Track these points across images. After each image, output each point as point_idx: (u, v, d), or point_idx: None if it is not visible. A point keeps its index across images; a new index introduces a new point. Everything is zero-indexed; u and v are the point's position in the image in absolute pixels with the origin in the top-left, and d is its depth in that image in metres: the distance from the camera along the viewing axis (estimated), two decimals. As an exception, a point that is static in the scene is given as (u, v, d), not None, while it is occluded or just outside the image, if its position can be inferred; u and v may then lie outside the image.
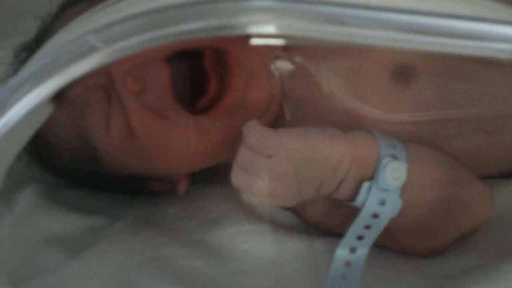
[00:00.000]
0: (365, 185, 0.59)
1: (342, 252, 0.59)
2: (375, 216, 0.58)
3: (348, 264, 0.59)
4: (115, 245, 0.69)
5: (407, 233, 0.63)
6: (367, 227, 0.59)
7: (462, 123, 0.70)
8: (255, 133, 0.59)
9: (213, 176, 0.78)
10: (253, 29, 0.40)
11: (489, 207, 0.65)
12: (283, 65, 0.63)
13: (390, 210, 0.58)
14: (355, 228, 0.59)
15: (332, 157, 0.59)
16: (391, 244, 0.64)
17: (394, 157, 0.58)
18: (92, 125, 0.69)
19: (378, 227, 0.59)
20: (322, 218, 0.68)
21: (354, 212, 0.59)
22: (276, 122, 0.70)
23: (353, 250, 0.59)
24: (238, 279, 0.65)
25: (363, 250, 0.59)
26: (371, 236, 0.59)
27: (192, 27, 0.40)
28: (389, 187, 0.58)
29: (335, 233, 0.64)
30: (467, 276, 0.60)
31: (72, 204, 0.77)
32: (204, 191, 0.78)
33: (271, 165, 0.58)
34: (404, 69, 0.69)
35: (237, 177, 0.60)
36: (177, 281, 0.64)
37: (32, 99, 0.42)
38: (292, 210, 0.72)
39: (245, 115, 0.65)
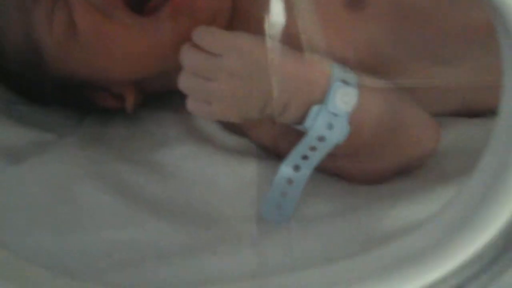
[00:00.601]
0: (314, 108, 0.58)
1: (286, 169, 0.59)
2: (322, 139, 0.58)
3: (290, 181, 0.59)
4: (59, 157, 0.68)
5: (351, 158, 0.63)
6: (313, 148, 0.59)
7: (416, 52, 0.69)
8: (206, 32, 0.58)
9: (167, 102, 0.78)
10: None
11: (434, 140, 0.65)
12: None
13: (337, 135, 0.58)
14: (301, 148, 0.58)
15: (283, 71, 0.58)
16: (334, 169, 0.64)
17: (345, 83, 0.58)
18: (35, 22, 0.67)
19: (324, 150, 0.58)
20: (270, 142, 0.68)
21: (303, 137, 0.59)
22: None
23: (296, 168, 0.59)
24: (179, 196, 0.64)
25: (306, 170, 0.59)
26: (316, 157, 0.59)
27: None
28: (338, 111, 0.58)
29: (283, 157, 0.64)
30: (397, 197, 0.61)
31: (22, 119, 0.76)
32: (155, 115, 0.78)
33: (221, 64, 0.57)
34: None
35: (186, 81, 0.59)
36: (118, 194, 0.63)
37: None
38: (242, 133, 0.72)
39: (191, 22, 0.63)
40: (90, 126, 0.78)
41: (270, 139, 0.68)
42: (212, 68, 0.58)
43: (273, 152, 0.69)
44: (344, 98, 0.58)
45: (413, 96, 0.65)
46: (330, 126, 0.58)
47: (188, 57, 0.59)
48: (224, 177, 0.66)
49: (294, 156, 0.59)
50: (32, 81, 0.73)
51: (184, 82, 0.59)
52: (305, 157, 0.59)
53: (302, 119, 0.59)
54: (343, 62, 0.63)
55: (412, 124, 0.64)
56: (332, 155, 0.59)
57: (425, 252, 0.46)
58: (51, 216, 0.61)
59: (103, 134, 0.76)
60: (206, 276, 0.55)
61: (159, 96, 0.78)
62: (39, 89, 0.74)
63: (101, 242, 0.58)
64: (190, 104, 0.60)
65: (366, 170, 0.65)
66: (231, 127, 0.73)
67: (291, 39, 0.65)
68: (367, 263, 0.48)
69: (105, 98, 0.75)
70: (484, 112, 0.72)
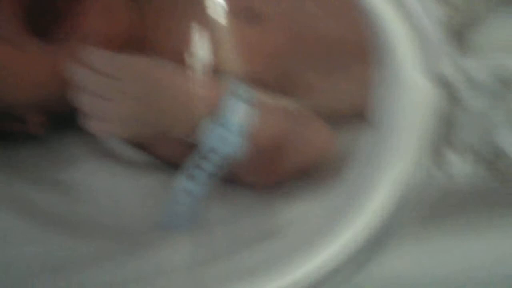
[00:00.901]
0: (204, 122, 0.62)
1: (182, 180, 0.63)
2: (213, 151, 0.62)
3: (187, 191, 0.63)
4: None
5: (249, 168, 0.67)
6: (205, 160, 0.63)
7: (308, 64, 0.75)
8: (102, 56, 0.61)
9: (72, 121, 0.79)
10: None
11: (328, 144, 0.70)
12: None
13: (229, 147, 0.62)
14: (194, 159, 0.62)
15: (173, 89, 0.62)
16: (230, 176, 0.68)
17: (239, 97, 0.63)
18: None
19: (217, 161, 0.63)
20: (168, 155, 0.72)
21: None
22: None
23: (192, 179, 0.63)
24: (84, 210, 0.68)
25: (201, 180, 0.63)
26: (209, 168, 0.63)
27: None
28: (230, 125, 0.62)
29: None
30: (290, 197, 0.66)
31: None
32: (61, 135, 0.79)
33: (116, 85, 0.60)
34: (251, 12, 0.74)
35: (86, 102, 0.61)
36: (25, 214, 0.66)
37: None
38: (143, 148, 0.75)
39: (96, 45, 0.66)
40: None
41: (168, 153, 0.72)
42: (107, 88, 0.60)
43: (172, 164, 0.72)
44: (236, 112, 0.62)
45: (308, 104, 0.71)
46: (222, 139, 0.62)
47: (83, 77, 0.61)
48: (126, 190, 0.70)
49: (188, 168, 0.63)
50: None
51: (81, 101, 0.61)
52: (199, 168, 0.63)
53: (194, 133, 0.62)
54: (243, 77, 0.68)
55: (308, 133, 0.69)
56: (231, 166, 0.63)
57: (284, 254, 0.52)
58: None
59: (11, 156, 0.76)
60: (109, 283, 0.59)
61: (64, 116, 0.78)
62: None
63: (5, 258, 0.60)
64: (87, 122, 0.62)
65: (261, 177, 0.69)
66: (132, 142, 0.76)
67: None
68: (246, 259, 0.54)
69: (9, 122, 0.75)
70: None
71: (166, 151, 0.72)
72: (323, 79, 0.76)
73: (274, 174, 0.69)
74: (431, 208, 0.51)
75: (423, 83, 0.48)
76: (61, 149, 0.78)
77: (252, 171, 0.68)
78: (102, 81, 0.60)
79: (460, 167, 0.50)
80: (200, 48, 0.65)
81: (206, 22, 0.69)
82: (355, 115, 0.75)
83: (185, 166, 0.63)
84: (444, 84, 0.48)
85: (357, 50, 0.67)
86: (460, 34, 0.51)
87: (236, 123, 0.62)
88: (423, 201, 0.50)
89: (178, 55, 0.64)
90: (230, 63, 0.71)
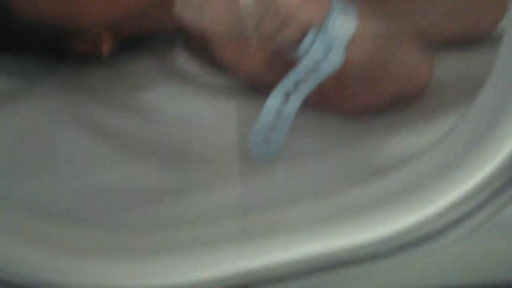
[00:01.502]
0: (312, 32, 0.57)
1: (274, 100, 0.57)
2: (316, 66, 0.57)
3: (278, 113, 0.57)
4: (33, 105, 0.66)
5: (342, 90, 0.62)
6: (306, 76, 0.57)
7: None
8: None
9: (145, 45, 0.75)
10: None
11: (429, 70, 0.63)
12: None
13: (332, 62, 0.57)
14: (294, 75, 0.57)
15: None
16: (322, 102, 0.62)
17: (345, 9, 0.57)
18: None
19: (317, 79, 0.57)
20: (256, 74, 0.66)
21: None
22: None
23: (286, 99, 0.57)
24: (161, 137, 0.63)
25: (295, 101, 0.57)
26: (307, 87, 0.57)
27: None
28: (336, 38, 0.57)
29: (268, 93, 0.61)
30: (393, 130, 0.60)
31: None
32: (132, 58, 0.74)
33: None
34: None
35: None
36: (100, 139, 0.62)
37: None
38: (225, 70, 0.69)
39: None
40: (64, 72, 0.74)
41: (256, 70, 0.65)
42: None
43: (256, 88, 0.66)
44: (343, 25, 0.57)
45: (406, 23, 0.65)
46: (326, 53, 0.57)
47: None
48: (206, 117, 0.65)
49: (285, 85, 0.57)
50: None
51: None
52: (296, 87, 0.57)
53: (297, 42, 0.58)
54: None
55: (406, 54, 0.62)
56: (321, 87, 0.58)
57: (424, 184, 0.45)
58: (32, 165, 0.59)
59: (79, 80, 0.73)
60: (192, 215, 0.54)
61: (136, 39, 0.74)
62: (5, 34, 0.70)
63: (88, 187, 0.56)
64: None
65: (357, 102, 0.63)
66: (213, 63, 0.70)
67: None
68: (359, 197, 0.48)
69: (80, 43, 0.71)
70: (482, 38, 0.71)
71: (253, 67, 0.66)
72: None
73: (368, 101, 0.63)
74: None
75: None
76: (134, 73, 0.73)
77: (344, 93, 0.62)
78: None
79: None
80: None
81: None
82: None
83: (280, 83, 0.57)
84: None
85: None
86: None
87: (342, 37, 0.57)
88: None
89: None
90: None
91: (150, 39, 0.70)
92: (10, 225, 0.44)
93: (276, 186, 0.56)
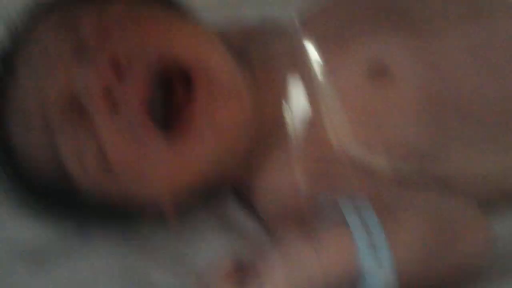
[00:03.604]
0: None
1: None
2: None
3: None
4: (87, 257, 0.67)
5: None
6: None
7: (450, 135, 0.66)
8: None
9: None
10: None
11: (486, 237, 0.61)
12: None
13: None
14: None
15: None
16: None
17: (374, 247, 0.55)
18: (64, 156, 0.64)
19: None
20: None
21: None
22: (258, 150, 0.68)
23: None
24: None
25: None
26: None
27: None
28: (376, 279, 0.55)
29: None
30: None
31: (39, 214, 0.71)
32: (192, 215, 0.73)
33: None
34: (379, 68, 0.67)
35: None
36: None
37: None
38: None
39: (217, 136, 0.64)
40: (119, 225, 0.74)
41: None
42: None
43: None
44: (380, 265, 0.55)
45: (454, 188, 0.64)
46: None
47: None
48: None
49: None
50: (60, 201, 0.70)
51: None
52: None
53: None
54: (369, 148, 0.64)
55: (458, 243, 0.60)
56: None
57: None
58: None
59: (134, 231, 0.72)
60: None
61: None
62: (67, 207, 0.70)
63: None
64: None
65: None
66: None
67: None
68: None
69: (145, 215, 0.71)
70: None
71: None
72: (468, 151, 0.67)
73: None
74: None
75: None
76: (190, 231, 0.72)
77: None
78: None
79: None
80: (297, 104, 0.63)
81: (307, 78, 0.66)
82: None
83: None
84: None
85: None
86: None
87: (383, 274, 0.55)
88: None
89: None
90: (342, 133, 0.65)
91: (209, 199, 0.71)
92: None
93: None
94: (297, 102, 0.67)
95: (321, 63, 0.68)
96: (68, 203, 0.68)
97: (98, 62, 0.62)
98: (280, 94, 0.68)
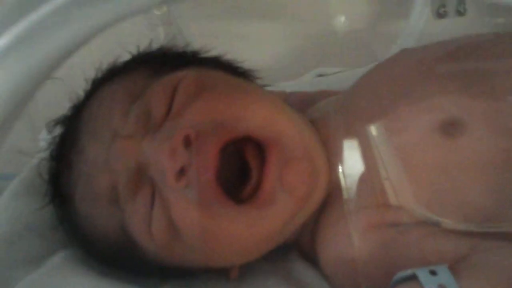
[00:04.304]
0: None
1: None
2: None
3: None
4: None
5: None
6: None
7: None
8: None
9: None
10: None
11: None
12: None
13: None
14: None
15: None
16: None
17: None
18: (132, 223, 0.65)
19: None
20: None
21: None
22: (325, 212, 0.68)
23: None
24: None
25: None
26: None
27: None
28: None
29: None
30: None
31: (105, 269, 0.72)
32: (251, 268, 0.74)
33: None
34: (452, 124, 0.65)
35: None
36: None
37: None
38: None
39: (290, 199, 0.64)
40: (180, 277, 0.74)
41: None
42: None
43: None
44: None
45: None
46: None
47: None
48: None
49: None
50: (122, 261, 0.70)
51: None
52: None
53: None
54: (431, 208, 0.61)
55: None
56: None
57: None
58: None
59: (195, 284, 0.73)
60: None
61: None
62: (129, 266, 0.71)
63: None
64: None
65: None
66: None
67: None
68: None
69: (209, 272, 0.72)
70: None
71: None
72: None
73: None
74: None
75: None
76: (250, 280, 0.72)
77: None
78: None
79: None
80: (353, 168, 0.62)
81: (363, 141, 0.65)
82: None
83: None
84: None
85: None
86: None
87: None
88: None
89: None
90: (403, 194, 0.64)
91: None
92: None
93: None
94: (352, 166, 0.67)
95: (381, 125, 0.67)
96: (130, 264, 0.69)
97: (169, 136, 0.62)
98: (336, 158, 0.67)
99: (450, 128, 0.65)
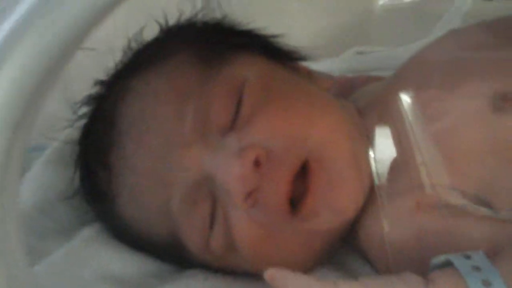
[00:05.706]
0: None
1: None
2: None
3: None
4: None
5: None
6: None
7: None
8: (280, 277, 0.53)
9: None
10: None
11: None
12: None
13: None
14: None
15: None
16: None
17: (488, 285, 0.51)
18: (189, 236, 0.64)
19: None
20: None
21: None
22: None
23: None
24: None
25: None
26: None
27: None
28: None
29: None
30: None
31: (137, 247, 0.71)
32: None
33: None
34: (503, 98, 0.63)
35: None
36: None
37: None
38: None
39: (331, 214, 0.62)
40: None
41: None
42: None
43: None
44: None
45: None
46: None
47: None
48: None
49: None
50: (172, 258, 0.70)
51: None
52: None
53: None
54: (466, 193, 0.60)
55: None
56: None
57: None
58: None
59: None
60: None
61: None
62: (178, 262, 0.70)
63: None
64: None
65: None
66: None
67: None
68: None
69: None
70: None
71: None
72: None
73: None
74: None
75: None
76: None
77: None
78: None
79: None
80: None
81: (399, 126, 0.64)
82: None
83: None
84: None
85: None
86: None
87: None
88: None
89: None
90: (438, 178, 0.61)
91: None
92: None
93: None
94: (383, 152, 0.65)
95: (420, 108, 0.65)
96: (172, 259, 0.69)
97: (237, 153, 0.60)
98: (367, 145, 0.65)
99: (501, 102, 0.62)
